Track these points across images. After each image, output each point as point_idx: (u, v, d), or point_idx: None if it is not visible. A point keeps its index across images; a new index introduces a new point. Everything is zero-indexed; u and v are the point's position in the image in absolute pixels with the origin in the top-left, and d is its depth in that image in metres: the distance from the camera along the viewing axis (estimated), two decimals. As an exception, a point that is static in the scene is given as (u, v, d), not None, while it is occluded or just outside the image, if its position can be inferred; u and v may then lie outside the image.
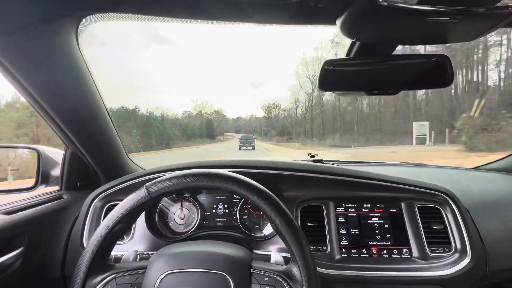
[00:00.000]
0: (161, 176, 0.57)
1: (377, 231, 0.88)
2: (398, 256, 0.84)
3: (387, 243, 0.86)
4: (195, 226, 0.94)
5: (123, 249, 0.86)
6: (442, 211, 0.88)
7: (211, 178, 0.55)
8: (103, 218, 0.92)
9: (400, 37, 0.65)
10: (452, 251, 0.83)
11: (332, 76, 0.74)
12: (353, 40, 0.69)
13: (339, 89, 0.80)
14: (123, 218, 0.56)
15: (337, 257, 0.84)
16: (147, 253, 0.83)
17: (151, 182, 0.56)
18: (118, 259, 0.69)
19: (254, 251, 0.87)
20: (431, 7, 0.48)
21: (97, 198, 0.94)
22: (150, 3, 0.62)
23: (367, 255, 0.85)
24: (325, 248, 0.86)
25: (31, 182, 0.98)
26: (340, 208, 0.91)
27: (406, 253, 0.84)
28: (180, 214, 0.96)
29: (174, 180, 0.55)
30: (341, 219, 0.90)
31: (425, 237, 0.85)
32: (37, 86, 0.71)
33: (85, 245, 0.85)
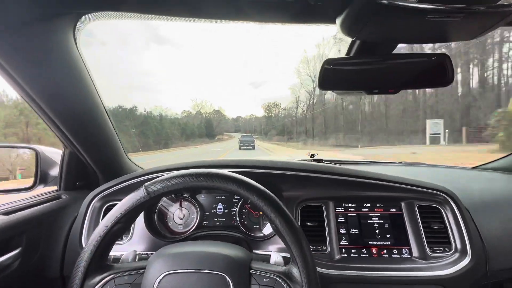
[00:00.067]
0: (160, 176, 0.57)
1: (377, 231, 0.87)
2: (398, 256, 0.84)
3: (387, 243, 0.86)
4: (194, 226, 0.94)
5: (122, 249, 0.86)
6: (442, 210, 0.88)
7: (211, 178, 0.55)
8: (102, 218, 0.92)
9: (400, 36, 0.64)
10: (452, 251, 0.83)
11: (332, 75, 0.74)
12: (353, 39, 0.69)
13: (339, 88, 0.79)
14: (122, 218, 0.55)
15: (337, 257, 0.84)
16: (146, 253, 0.83)
17: (150, 182, 0.56)
18: (117, 259, 0.68)
19: (253, 251, 0.87)
20: (432, 5, 0.48)
21: (96, 198, 0.94)
22: (149, 2, 0.62)
23: (367, 255, 0.85)
24: (325, 248, 0.86)
25: (29, 182, 0.98)
26: (340, 208, 0.91)
27: (406, 252, 0.84)
28: (180, 214, 0.95)
29: (174, 180, 0.55)
30: (341, 219, 0.90)
31: (425, 236, 0.84)
32: (35, 86, 0.71)
33: (83, 245, 0.85)
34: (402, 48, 0.76)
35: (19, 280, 0.75)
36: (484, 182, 1.13)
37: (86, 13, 0.66)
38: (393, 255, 0.84)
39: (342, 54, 0.78)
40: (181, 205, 0.96)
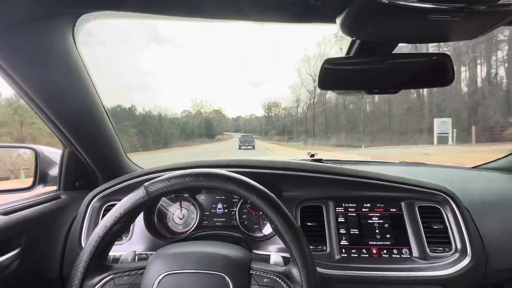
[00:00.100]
0: (160, 176, 0.57)
1: (377, 231, 0.87)
2: (398, 256, 0.84)
3: (387, 243, 0.86)
4: (194, 226, 0.93)
5: (122, 249, 0.86)
6: (442, 210, 0.88)
7: (210, 178, 0.55)
8: (102, 218, 0.92)
9: (400, 35, 0.64)
10: (452, 251, 0.83)
11: (332, 75, 0.74)
12: (353, 38, 0.68)
13: (339, 88, 0.79)
14: (122, 218, 0.55)
15: (337, 257, 0.84)
16: (146, 254, 0.82)
17: (150, 182, 0.56)
18: (116, 260, 0.68)
19: (253, 251, 0.87)
20: (432, 5, 0.47)
21: (95, 198, 0.94)
22: (148, 1, 0.62)
23: (367, 255, 0.84)
24: (324, 248, 0.85)
25: (29, 182, 0.98)
26: (340, 208, 0.91)
27: (406, 253, 0.84)
28: (179, 214, 0.95)
29: (173, 180, 0.55)
30: (341, 219, 0.90)
31: (425, 236, 0.84)
32: (34, 85, 0.70)
33: (83, 245, 0.85)
34: (405, 47, 0.76)
35: (18, 281, 0.74)
36: (484, 182, 1.13)
37: (85, 12, 0.66)
38: (393, 255, 0.84)
39: (344, 52, 0.78)
40: (180, 205, 0.96)
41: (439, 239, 0.85)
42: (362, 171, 0.93)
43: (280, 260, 0.63)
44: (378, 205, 0.91)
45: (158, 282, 0.52)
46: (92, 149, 0.96)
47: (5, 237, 0.71)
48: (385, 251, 0.85)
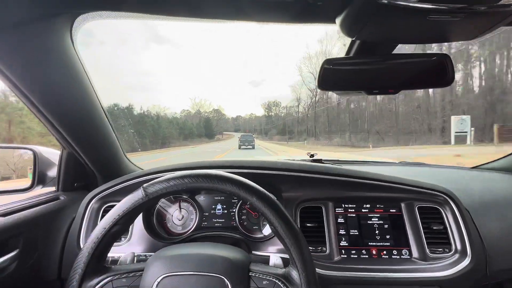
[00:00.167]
0: (159, 177, 0.56)
1: (376, 232, 0.87)
2: (398, 256, 0.83)
3: (387, 243, 0.85)
4: (193, 227, 0.93)
5: (121, 250, 0.85)
6: (442, 211, 0.88)
7: (210, 179, 0.54)
8: (100, 220, 0.91)
9: (400, 36, 0.64)
10: (452, 252, 0.83)
11: (332, 75, 0.74)
12: (353, 39, 0.68)
13: (339, 89, 0.79)
14: (120, 219, 0.55)
15: (336, 258, 0.84)
16: (145, 255, 0.82)
17: (149, 183, 0.56)
18: (115, 261, 0.68)
19: (253, 252, 0.87)
20: (432, 5, 0.47)
21: (94, 199, 0.93)
22: (146, 1, 0.61)
23: (367, 256, 0.84)
24: (324, 249, 0.85)
25: (27, 182, 0.97)
26: (340, 209, 0.91)
27: (406, 253, 0.84)
28: (178, 215, 0.95)
29: (172, 181, 0.55)
30: (340, 220, 0.89)
31: (425, 237, 0.84)
32: (31, 86, 0.70)
33: (82, 246, 0.84)
34: (408, 46, 0.75)
35: (16, 283, 0.74)
36: (484, 182, 1.13)
37: (83, 12, 0.65)
38: (393, 256, 0.84)
39: (347, 48, 0.78)
40: (180, 206, 0.96)
41: (439, 240, 0.84)
42: (362, 172, 0.93)
43: (280, 262, 0.63)
44: (377, 205, 0.90)
45: (157, 284, 0.52)
46: (90, 150, 0.96)
47: (2, 239, 0.70)
48: (384, 252, 0.84)
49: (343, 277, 0.79)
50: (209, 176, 0.55)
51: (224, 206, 0.96)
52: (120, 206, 0.55)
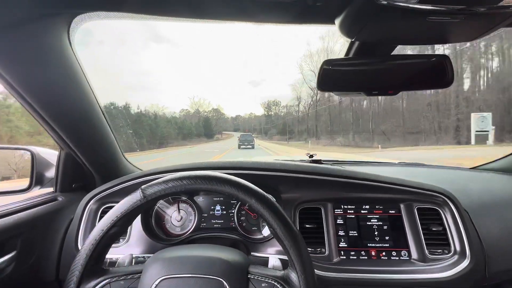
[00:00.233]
0: (158, 178, 0.56)
1: (376, 233, 0.87)
2: (397, 258, 0.83)
3: (386, 245, 0.85)
4: (192, 228, 0.93)
5: (119, 252, 0.85)
6: (441, 212, 0.87)
7: (209, 181, 0.54)
8: (99, 221, 0.91)
9: (400, 37, 0.63)
10: (451, 253, 0.82)
11: (331, 76, 0.73)
12: (352, 40, 0.68)
13: (338, 90, 0.79)
14: (118, 221, 0.54)
15: (336, 259, 0.84)
16: (143, 257, 0.82)
17: (147, 184, 0.55)
18: (113, 263, 0.68)
19: (252, 253, 0.87)
20: (432, 6, 0.47)
21: (92, 200, 0.93)
22: (145, 2, 0.61)
23: (366, 257, 0.84)
24: (323, 250, 0.85)
25: (25, 183, 0.97)
26: (339, 210, 0.91)
27: (405, 255, 0.83)
28: (177, 216, 0.94)
29: (171, 183, 0.54)
30: (339, 221, 0.89)
31: (424, 239, 0.84)
32: (28, 86, 0.69)
33: (80, 248, 0.84)
34: (414, 48, 0.74)
35: (14, 284, 0.74)
36: (483, 183, 1.13)
37: (81, 13, 0.65)
38: (392, 258, 0.83)
39: (346, 49, 0.78)
40: (178, 207, 0.95)
41: (438, 241, 0.84)
42: (361, 173, 0.92)
43: (279, 264, 0.62)
44: (377, 207, 0.90)
45: (155, 287, 0.52)
46: (88, 150, 0.95)
47: (0, 240, 0.70)
48: (384, 253, 0.84)
49: (342, 279, 0.79)
50: (208, 177, 0.54)
51: (223, 207, 0.95)
52: (119, 208, 0.55)
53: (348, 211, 0.90)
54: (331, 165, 1.25)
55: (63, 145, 0.90)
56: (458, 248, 0.82)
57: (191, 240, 0.90)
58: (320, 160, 1.38)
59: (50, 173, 1.00)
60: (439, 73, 0.71)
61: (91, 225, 0.91)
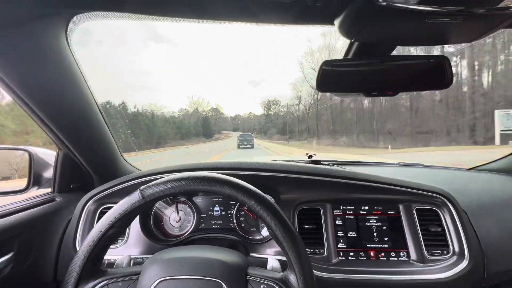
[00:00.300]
0: (156, 179, 0.56)
1: (374, 234, 0.87)
2: (396, 259, 0.83)
3: (385, 245, 0.85)
4: (190, 229, 0.92)
5: (117, 253, 0.84)
6: (440, 213, 0.87)
7: (207, 182, 0.54)
8: (97, 222, 0.90)
9: (399, 37, 0.63)
10: (450, 254, 0.83)
11: (330, 77, 0.73)
12: (352, 40, 0.68)
13: (337, 90, 0.79)
14: (117, 222, 0.54)
15: (334, 260, 0.84)
16: (142, 258, 0.81)
17: (146, 185, 0.55)
18: (111, 264, 0.67)
19: (251, 254, 0.86)
20: (431, 7, 0.47)
21: (91, 201, 0.92)
22: (143, 2, 0.60)
23: (365, 258, 0.84)
24: (322, 251, 0.85)
25: (22, 184, 0.96)
26: (338, 210, 0.91)
27: (404, 255, 0.83)
28: (176, 217, 0.94)
29: (169, 184, 0.54)
30: (338, 222, 0.89)
31: (423, 239, 0.84)
32: (25, 86, 0.69)
33: (78, 249, 0.84)
34: (410, 48, 0.74)
35: (12, 286, 0.73)
36: (482, 184, 1.13)
37: (78, 13, 0.64)
38: (391, 258, 0.83)
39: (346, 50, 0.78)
40: (177, 208, 0.95)
41: (437, 241, 0.84)
42: (360, 173, 0.92)
43: (277, 265, 0.62)
44: (376, 207, 0.90)
45: None
46: (86, 150, 0.95)
47: None
48: (383, 254, 0.84)
49: (341, 279, 0.79)
50: (207, 178, 0.54)
51: (222, 208, 0.95)
52: (117, 209, 0.54)
53: (347, 212, 0.90)
54: (330, 165, 1.25)
55: (61, 145, 0.90)
56: (456, 248, 0.82)
57: (190, 241, 0.90)
58: (319, 160, 1.38)
59: (48, 173, 0.99)
60: (438, 74, 0.71)
61: (89, 226, 0.90)
